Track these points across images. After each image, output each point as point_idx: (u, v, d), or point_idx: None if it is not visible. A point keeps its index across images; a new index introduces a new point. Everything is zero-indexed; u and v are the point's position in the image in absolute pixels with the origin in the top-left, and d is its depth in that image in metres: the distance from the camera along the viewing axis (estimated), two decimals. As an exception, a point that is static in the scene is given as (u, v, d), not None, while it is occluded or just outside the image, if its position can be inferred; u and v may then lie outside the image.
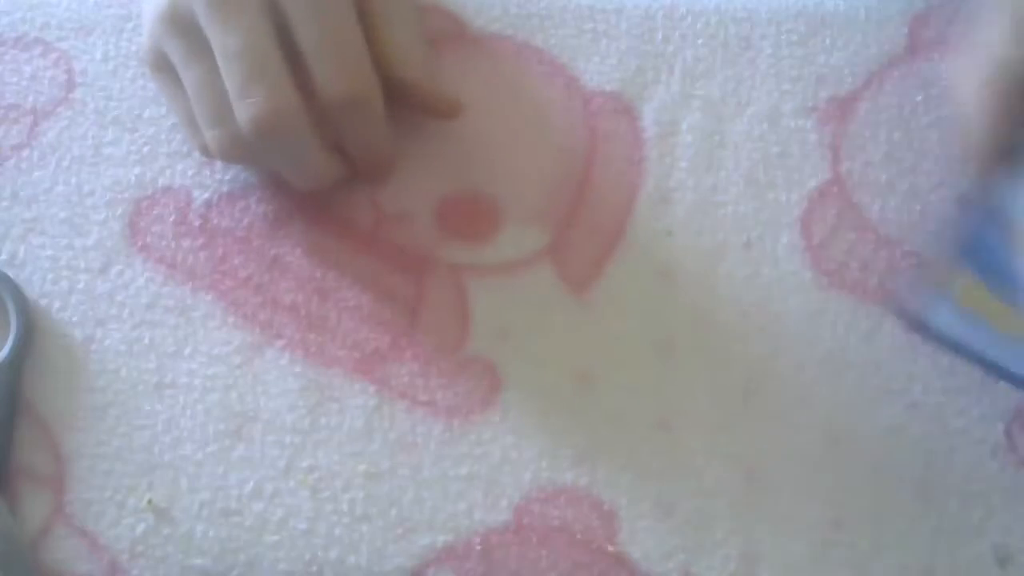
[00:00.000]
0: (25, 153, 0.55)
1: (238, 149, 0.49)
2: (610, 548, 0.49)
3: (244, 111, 0.47)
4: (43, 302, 0.53)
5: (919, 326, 0.48)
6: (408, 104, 0.52)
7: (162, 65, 0.50)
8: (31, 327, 0.52)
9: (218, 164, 0.55)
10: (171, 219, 0.54)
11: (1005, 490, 0.49)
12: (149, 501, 0.50)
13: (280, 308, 0.53)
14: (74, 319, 0.53)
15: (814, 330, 0.51)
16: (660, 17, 0.57)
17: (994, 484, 0.49)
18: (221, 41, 0.47)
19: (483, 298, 0.52)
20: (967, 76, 0.48)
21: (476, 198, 0.54)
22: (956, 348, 0.47)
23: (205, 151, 0.52)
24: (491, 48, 0.56)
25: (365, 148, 0.51)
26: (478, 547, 0.49)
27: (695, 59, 0.56)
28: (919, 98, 0.55)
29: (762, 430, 0.50)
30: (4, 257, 0.54)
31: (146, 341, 0.52)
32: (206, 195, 0.55)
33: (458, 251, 0.53)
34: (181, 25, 0.48)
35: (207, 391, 0.51)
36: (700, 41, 0.56)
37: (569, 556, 0.49)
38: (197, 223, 0.54)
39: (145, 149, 0.55)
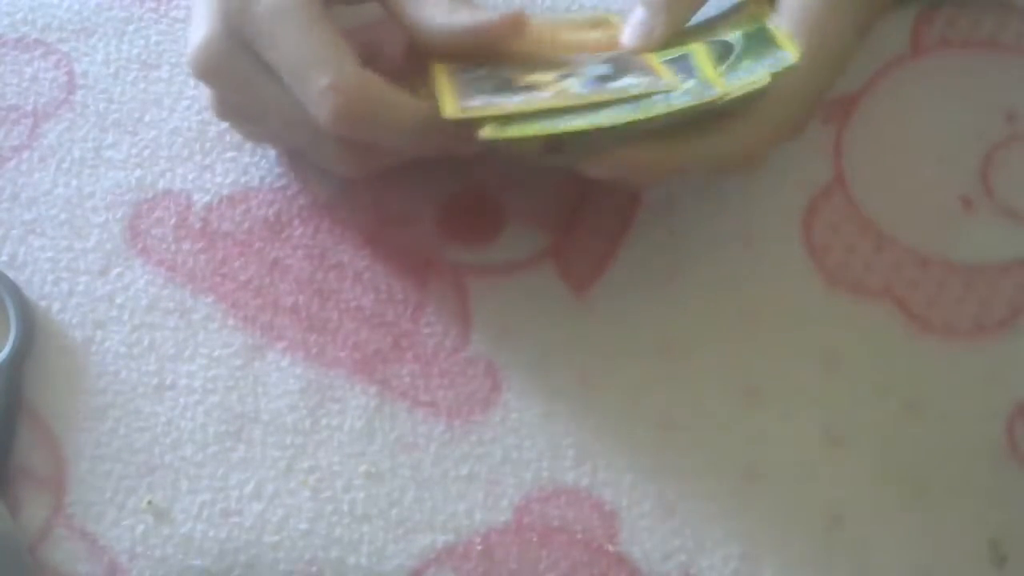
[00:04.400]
0: (25, 155, 0.57)
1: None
2: (611, 548, 0.50)
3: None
4: (43, 304, 0.54)
5: None
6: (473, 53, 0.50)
7: None
8: (31, 329, 0.54)
9: (218, 167, 0.57)
10: (171, 222, 0.56)
11: (1004, 489, 0.50)
12: (149, 502, 0.51)
13: (281, 310, 0.54)
14: (74, 321, 0.54)
15: (815, 330, 0.53)
16: (664, 18, 0.59)
17: (993, 483, 0.51)
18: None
19: (485, 299, 0.54)
20: None
21: (479, 198, 0.56)
22: None
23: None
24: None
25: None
26: (479, 547, 0.50)
27: (698, 59, 0.58)
28: (922, 98, 0.56)
29: (762, 430, 0.52)
30: (4, 258, 0.55)
31: (146, 343, 0.54)
32: (206, 198, 0.56)
33: (460, 251, 0.55)
34: None
35: (207, 393, 0.53)
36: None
37: (569, 556, 0.50)
38: (197, 226, 0.56)
39: (146, 152, 0.57)
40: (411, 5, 0.49)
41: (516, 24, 0.49)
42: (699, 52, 0.49)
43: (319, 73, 0.46)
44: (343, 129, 0.47)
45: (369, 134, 0.48)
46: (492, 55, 0.50)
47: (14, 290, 0.54)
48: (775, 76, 0.46)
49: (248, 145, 0.57)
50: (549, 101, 0.46)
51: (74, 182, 0.57)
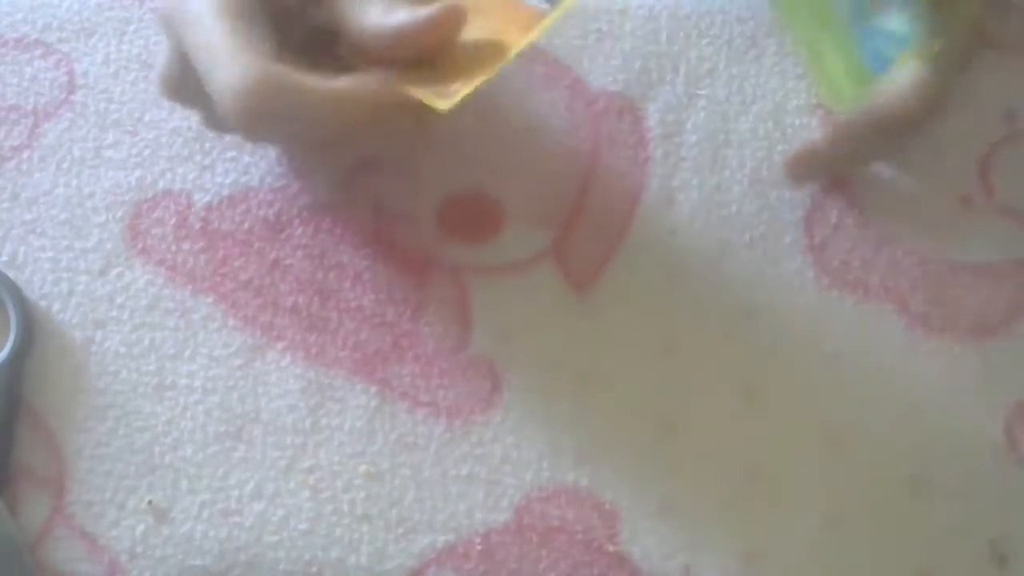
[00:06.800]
0: (25, 155, 0.57)
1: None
2: (611, 548, 0.51)
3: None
4: (43, 303, 0.55)
5: None
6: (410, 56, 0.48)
7: None
8: (31, 328, 0.54)
9: (218, 167, 0.57)
10: (171, 222, 0.56)
11: (1004, 489, 0.51)
12: (149, 502, 0.52)
13: (281, 310, 0.55)
14: (74, 321, 0.55)
15: (815, 330, 0.53)
16: (664, 17, 0.59)
17: (993, 483, 0.51)
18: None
19: (485, 298, 0.54)
20: None
21: (479, 198, 0.56)
22: None
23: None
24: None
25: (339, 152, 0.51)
26: (479, 547, 0.51)
27: (699, 59, 0.58)
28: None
29: (762, 430, 0.52)
30: (4, 258, 0.56)
31: (146, 343, 0.54)
32: (207, 198, 0.56)
33: (460, 251, 0.55)
34: None
35: (208, 393, 0.53)
36: (704, 41, 0.58)
37: (570, 556, 0.51)
38: (198, 226, 0.56)
39: (146, 152, 0.57)
40: (351, 8, 0.47)
41: (452, 17, 0.47)
42: None
43: (218, 70, 0.44)
44: (251, 125, 0.45)
45: (279, 125, 0.46)
46: (439, 58, 0.48)
47: (14, 290, 0.55)
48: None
49: (248, 145, 0.58)
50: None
51: (74, 182, 0.57)
